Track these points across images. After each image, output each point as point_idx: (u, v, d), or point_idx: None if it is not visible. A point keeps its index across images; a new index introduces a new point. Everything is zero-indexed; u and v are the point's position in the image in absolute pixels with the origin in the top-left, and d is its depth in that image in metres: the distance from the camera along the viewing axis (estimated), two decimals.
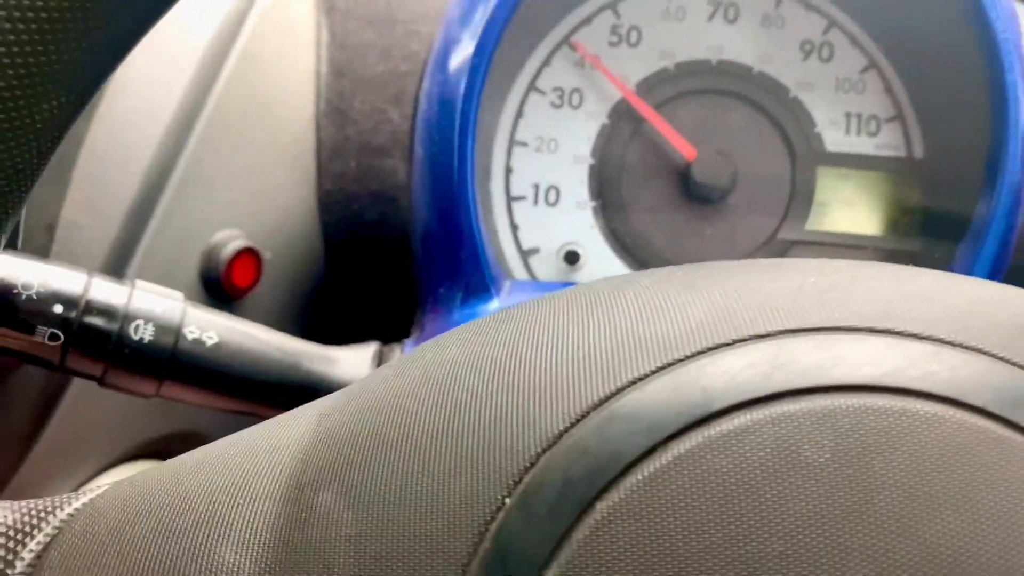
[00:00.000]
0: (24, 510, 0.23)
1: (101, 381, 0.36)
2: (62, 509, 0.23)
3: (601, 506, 0.18)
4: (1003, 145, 0.42)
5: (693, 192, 0.47)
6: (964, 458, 0.18)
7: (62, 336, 0.35)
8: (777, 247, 0.48)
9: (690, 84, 0.48)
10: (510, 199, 0.48)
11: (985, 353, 0.19)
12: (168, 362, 0.36)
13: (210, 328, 0.38)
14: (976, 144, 0.44)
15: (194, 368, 0.37)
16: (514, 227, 0.48)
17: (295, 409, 0.24)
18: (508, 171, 0.48)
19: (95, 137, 0.47)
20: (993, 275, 0.43)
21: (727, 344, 0.20)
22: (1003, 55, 0.42)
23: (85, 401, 0.46)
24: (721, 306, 0.21)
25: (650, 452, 0.18)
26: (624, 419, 0.19)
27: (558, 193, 0.48)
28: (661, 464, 0.18)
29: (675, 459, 0.18)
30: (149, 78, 0.49)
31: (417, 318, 0.46)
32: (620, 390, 0.19)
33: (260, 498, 0.21)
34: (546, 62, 0.48)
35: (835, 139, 0.48)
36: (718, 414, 0.19)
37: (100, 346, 0.35)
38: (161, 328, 0.36)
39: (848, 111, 0.48)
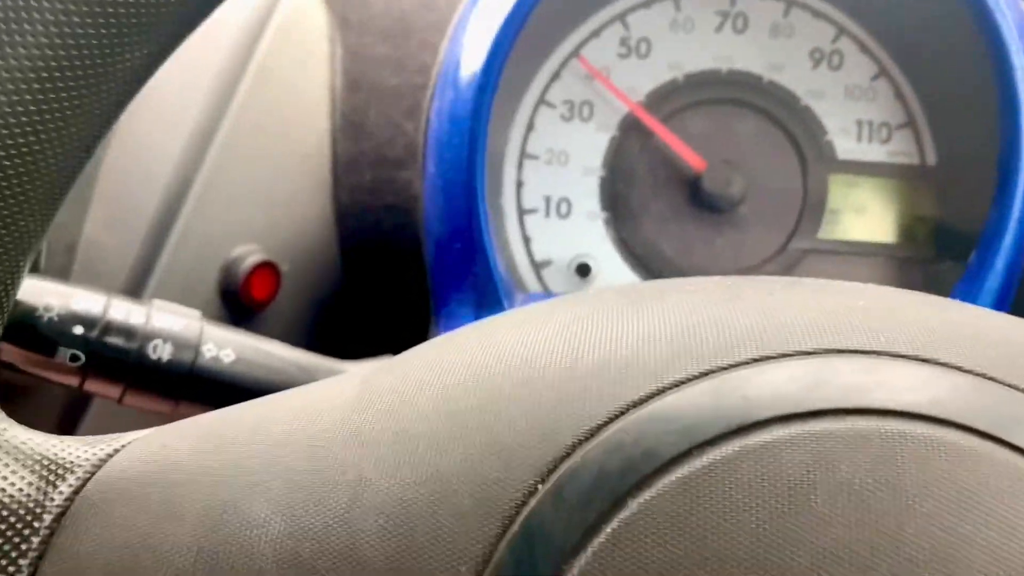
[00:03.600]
0: (65, 444, 0.23)
1: (120, 401, 0.37)
2: (104, 448, 0.23)
3: (633, 502, 0.18)
4: (1014, 150, 0.42)
5: (703, 202, 0.47)
6: (998, 496, 0.18)
7: (82, 357, 0.35)
8: (789, 256, 0.48)
9: (700, 95, 0.48)
10: (522, 212, 0.49)
11: None
12: (186, 380, 0.37)
13: (227, 345, 0.38)
14: (988, 150, 0.43)
15: (212, 385, 0.38)
16: (526, 239, 0.48)
17: (341, 375, 0.24)
18: (519, 184, 0.49)
19: (115, 156, 0.47)
20: (1006, 281, 0.43)
21: (772, 357, 0.20)
22: (1012, 61, 0.41)
23: (108, 415, 0.47)
24: (769, 319, 0.21)
25: (686, 454, 0.18)
26: (663, 420, 0.19)
27: (569, 205, 0.49)
28: (696, 467, 0.18)
29: (710, 464, 0.18)
30: (167, 96, 0.50)
31: (431, 331, 0.46)
32: (662, 391, 0.19)
33: (297, 457, 0.21)
34: (556, 76, 0.49)
35: (846, 147, 0.48)
36: (757, 424, 0.19)
37: (119, 366, 0.36)
38: (179, 347, 0.37)
39: (859, 119, 0.48)
